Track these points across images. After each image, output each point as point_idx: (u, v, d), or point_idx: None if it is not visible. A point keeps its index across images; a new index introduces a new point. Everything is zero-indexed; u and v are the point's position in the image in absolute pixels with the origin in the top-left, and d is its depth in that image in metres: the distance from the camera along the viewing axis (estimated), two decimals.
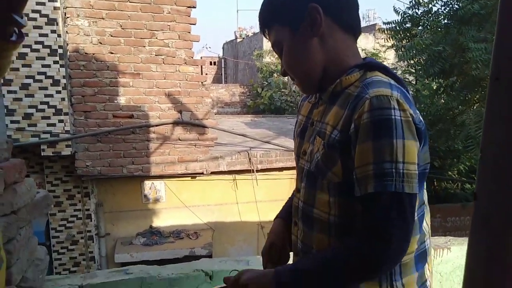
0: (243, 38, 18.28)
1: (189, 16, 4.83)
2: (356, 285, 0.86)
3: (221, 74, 20.72)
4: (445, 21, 5.91)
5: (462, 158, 6.70)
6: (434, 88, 6.77)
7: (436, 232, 5.89)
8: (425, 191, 0.92)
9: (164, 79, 4.85)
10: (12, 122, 4.17)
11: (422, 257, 0.90)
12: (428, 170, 0.90)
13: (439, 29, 5.90)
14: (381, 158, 0.77)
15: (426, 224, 0.93)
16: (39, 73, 4.22)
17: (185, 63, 4.88)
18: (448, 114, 6.16)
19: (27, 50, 4.14)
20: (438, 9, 5.89)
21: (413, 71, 6.75)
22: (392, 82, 0.85)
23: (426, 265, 0.92)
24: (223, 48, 21.70)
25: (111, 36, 4.58)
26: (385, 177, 0.77)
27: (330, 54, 0.91)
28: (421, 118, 0.85)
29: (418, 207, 0.85)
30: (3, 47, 0.64)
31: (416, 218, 0.84)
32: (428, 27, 5.93)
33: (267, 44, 14.07)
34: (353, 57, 0.93)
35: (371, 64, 0.91)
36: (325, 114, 0.92)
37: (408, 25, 6.05)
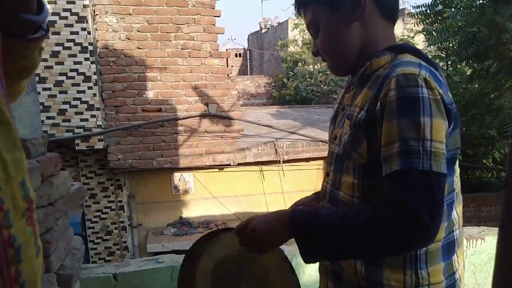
0: (268, 28, 18.11)
1: (213, 8, 4.85)
2: (379, 266, 0.84)
3: (247, 66, 20.70)
4: (480, 0, 5.62)
5: (497, 145, 6.40)
6: (468, 73, 6.48)
7: (470, 222, 5.69)
8: (456, 178, 0.89)
9: (190, 72, 4.90)
10: (47, 118, 4.35)
11: (450, 247, 0.88)
12: (457, 156, 0.87)
13: (473, 9, 5.62)
14: (407, 136, 0.75)
15: (457, 214, 0.90)
16: (72, 70, 4.37)
17: (211, 55, 4.92)
18: (483, 99, 5.89)
19: (59, 48, 4.29)
20: None
21: (444, 55, 6.48)
22: (423, 63, 0.83)
23: (455, 256, 0.89)
24: (248, 39, 21.63)
25: (138, 31, 4.67)
26: (412, 154, 0.74)
27: (368, 38, 0.90)
28: (452, 101, 0.82)
29: (446, 193, 0.82)
30: (21, 46, 0.61)
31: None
32: (461, 8, 5.65)
33: (291, 34, 13.89)
34: (388, 42, 0.92)
35: (402, 47, 0.90)
36: (355, 97, 0.91)
37: (439, 7, 5.80)
